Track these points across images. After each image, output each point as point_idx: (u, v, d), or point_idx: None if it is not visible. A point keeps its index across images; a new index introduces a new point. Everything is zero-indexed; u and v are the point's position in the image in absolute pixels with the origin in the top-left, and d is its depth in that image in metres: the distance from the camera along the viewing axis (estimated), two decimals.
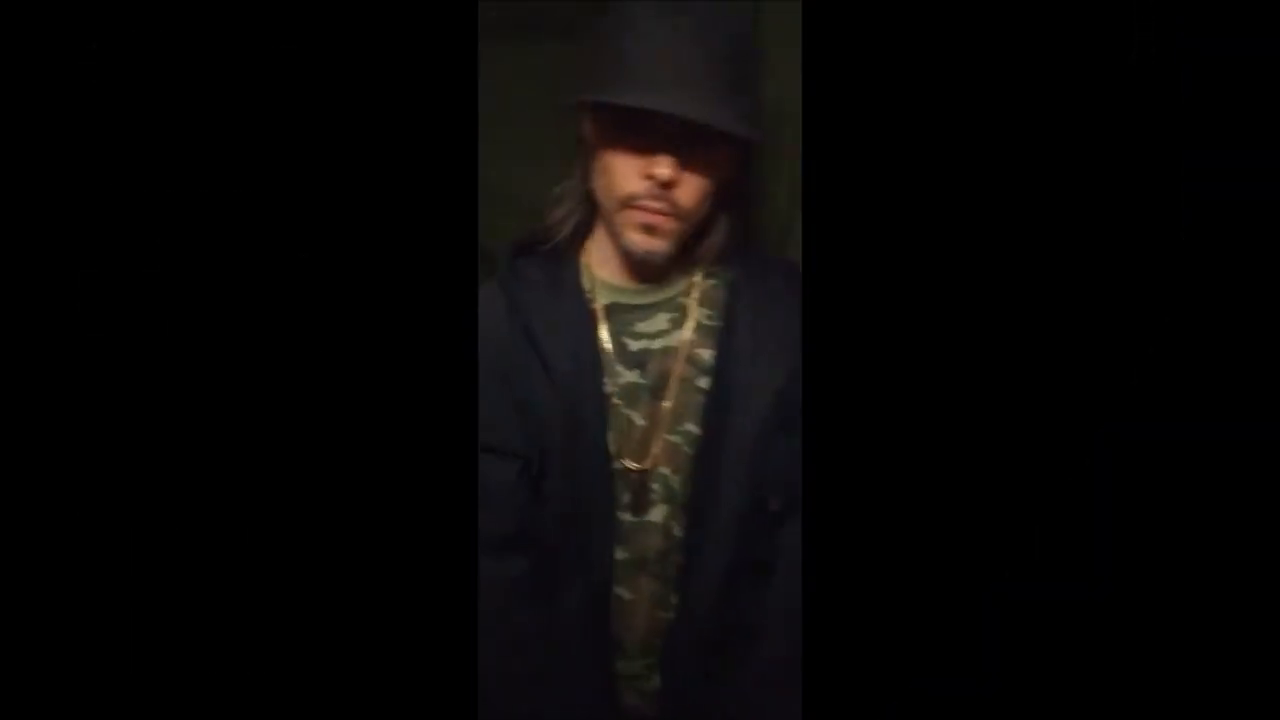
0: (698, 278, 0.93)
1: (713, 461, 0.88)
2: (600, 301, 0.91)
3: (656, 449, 0.89)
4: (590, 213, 0.91)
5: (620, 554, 0.89)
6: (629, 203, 0.85)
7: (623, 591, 0.89)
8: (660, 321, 0.92)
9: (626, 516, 0.89)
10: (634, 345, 0.91)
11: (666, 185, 0.83)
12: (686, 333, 0.91)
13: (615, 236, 0.88)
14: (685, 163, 0.83)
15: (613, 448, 0.89)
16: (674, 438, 0.89)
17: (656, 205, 0.84)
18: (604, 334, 0.90)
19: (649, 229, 0.85)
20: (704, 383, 0.90)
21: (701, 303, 0.92)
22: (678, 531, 0.89)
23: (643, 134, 0.83)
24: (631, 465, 0.89)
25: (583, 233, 0.93)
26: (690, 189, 0.85)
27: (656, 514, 0.89)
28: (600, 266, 0.92)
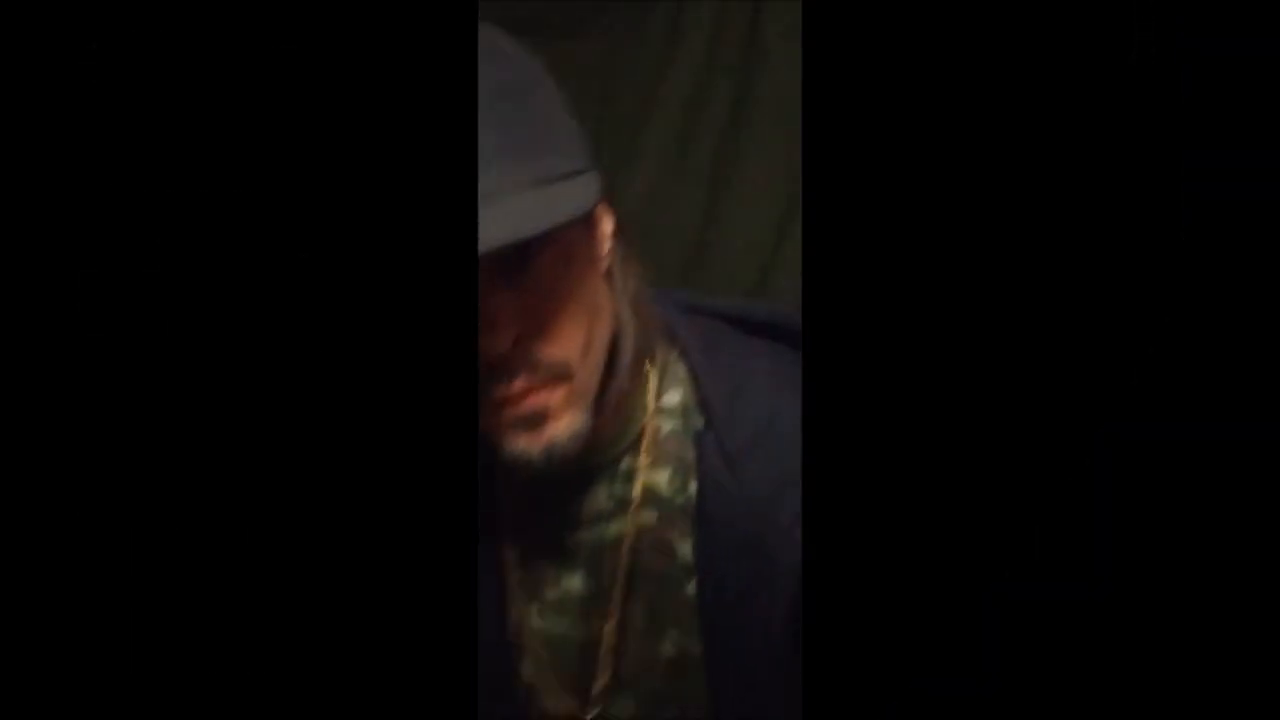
0: (646, 420, 0.66)
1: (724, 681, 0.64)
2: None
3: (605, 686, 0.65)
4: None
5: None
6: (500, 408, 0.61)
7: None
8: (600, 499, 0.66)
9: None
10: (571, 539, 0.66)
11: (514, 355, 0.59)
12: (649, 514, 0.65)
13: (507, 463, 0.63)
14: (520, 311, 0.59)
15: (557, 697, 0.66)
16: (656, 662, 0.65)
17: (518, 386, 0.60)
18: (511, 554, 0.66)
19: (529, 422, 0.60)
20: (690, 586, 0.65)
21: (655, 460, 0.65)
22: None
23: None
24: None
25: None
26: (553, 338, 0.60)
27: None
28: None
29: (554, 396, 0.61)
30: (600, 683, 0.65)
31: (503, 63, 0.61)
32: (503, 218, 0.56)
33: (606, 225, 0.65)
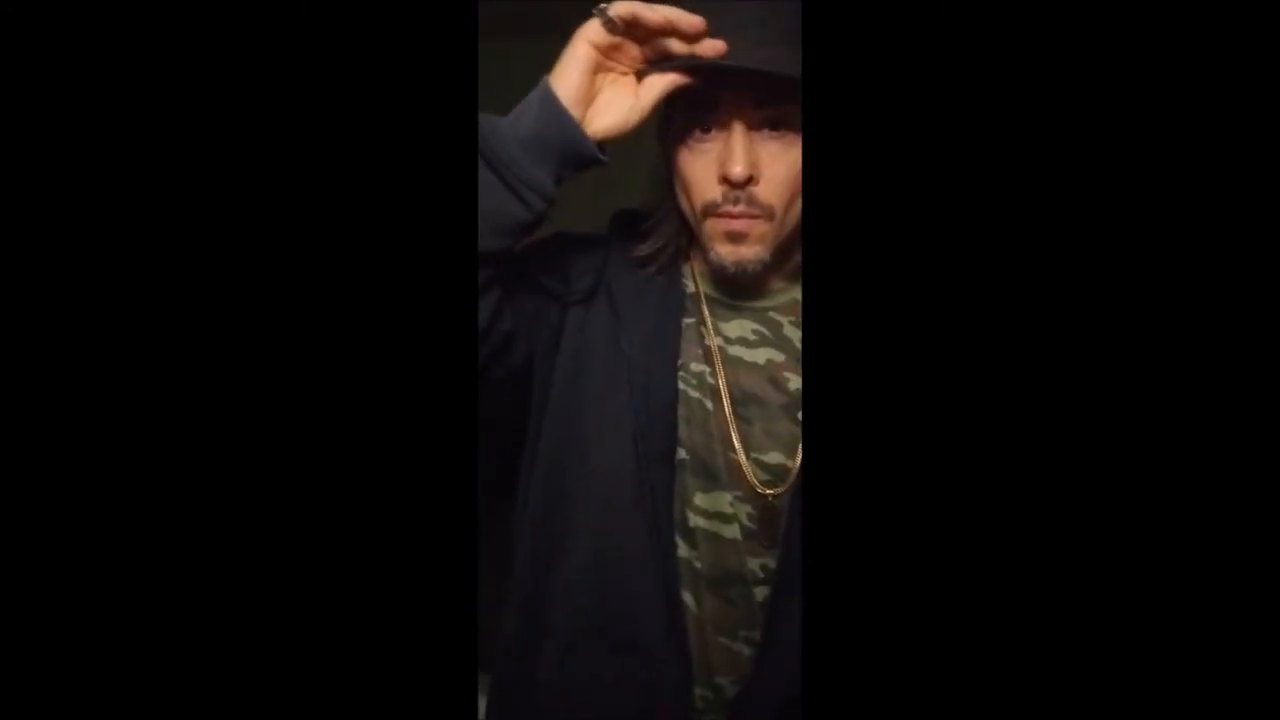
0: (796, 293, 0.86)
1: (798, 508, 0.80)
2: (691, 286, 0.87)
3: (731, 468, 0.83)
4: (687, 236, 0.87)
5: (684, 553, 0.83)
6: (710, 212, 0.80)
7: (687, 598, 0.83)
8: (742, 328, 0.86)
9: (698, 519, 0.83)
10: (710, 340, 0.85)
11: (744, 184, 0.78)
12: (775, 353, 0.85)
13: (705, 253, 0.83)
14: (761, 155, 0.78)
15: (683, 435, 0.83)
16: (747, 463, 0.83)
17: (738, 209, 0.79)
18: (686, 319, 0.86)
19: (734, 237, 0.80)
20: (796, 411, 0.83)
21: (795, 319, 0.86)
22: (754, 561, 0.83)
23: (711, 128, 0.78)
24: (757, 486, 0.82)
25: (682, 254, 0.89)
26: (772, 185, 0.79)
27: (732, 530, 0.83)
28: (702, 280, 0.88)
29: (756, 225, 0.80)
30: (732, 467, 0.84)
31: None
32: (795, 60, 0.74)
33: None
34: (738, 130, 0.78)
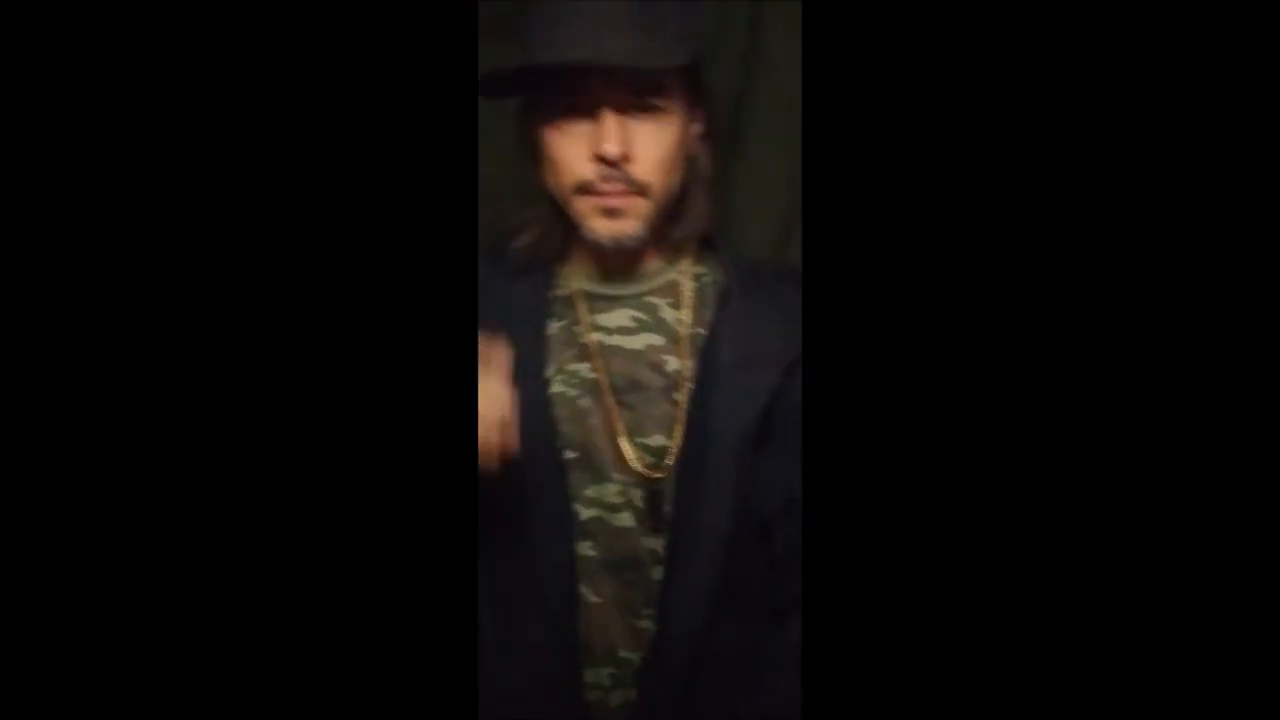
0: (684, 277, 0.88)
1: (692, 479, 0.84)
2: (564, 289, 0.87)
3: (617, 453, 0.85)
4: (565, 225, 0.86)
5: (585, 550, 0.85)
6: (585, 190, 0.81)
7: (588, 593, 0.85)
8: (622, 317, 0.87)
9: (590, 511, 0.85)
10: (587, 337, 0.86)
11: (617, 162, 0.79)
12: (655, 338, 0.87)
13: (579, 230, 0.83)
14: (634, 135, 0.79)
15: (564, 438, 0.84)
16: (631, 450, 0.85)
17: (613, 187, 0.80)
18: (554, 323, 0.86)
19: (610, 212, 0.81)
20: (676, 396, 0.85)
21: (679, 305, 0.88)
22: (648, 542, 0.85)
23: (581, 110, 0.79)
24: (640, 469, 0.84)
25: (561, 250, 0.88)
26: (646, 162, 0.80)
27: (624, 518, 0.85)
28: (577, 261, 0.88)
29: (632, 202, 0.81)
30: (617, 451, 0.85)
31: None
32: (650, 47, 0.76)
33: (700, 119, 0.86)
34: (609, 111, 0.78)
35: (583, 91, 0.78)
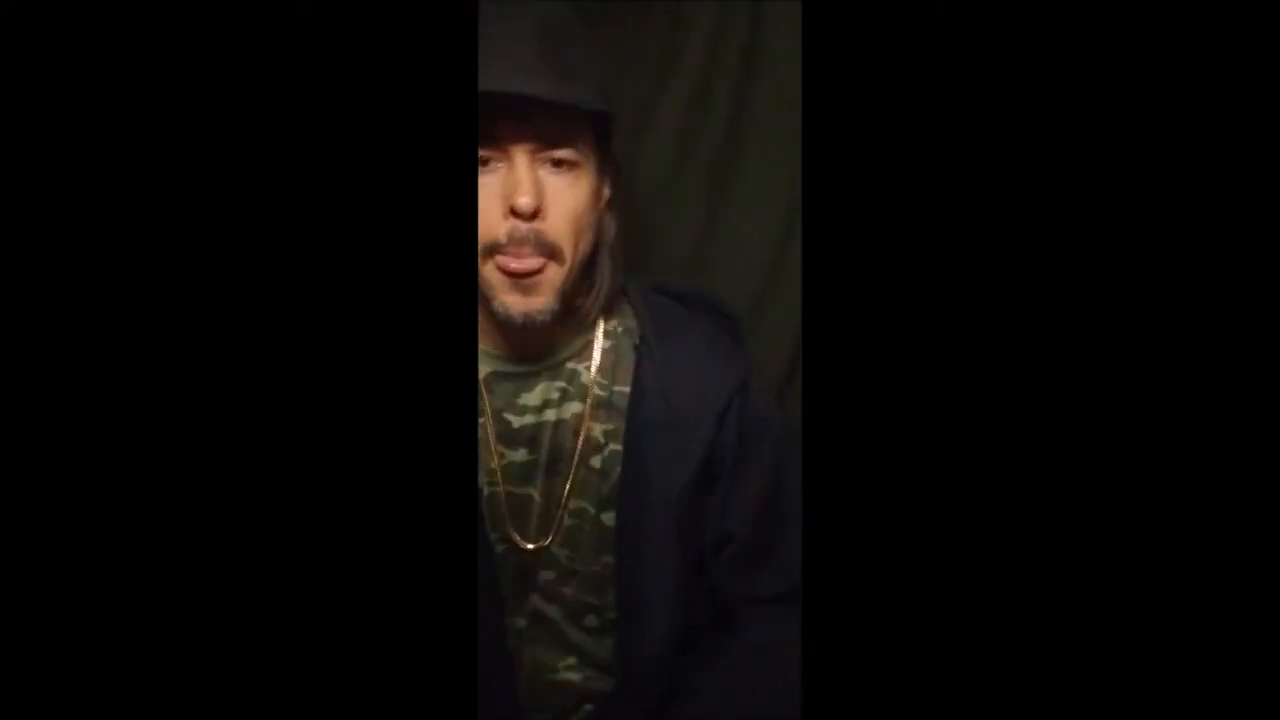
0: (596, 338, 0.87)
1: (631, 547, 0.84)
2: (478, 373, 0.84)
3: (554, 527, 0.85)
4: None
5: (519, 623, 0.87)
6: (495, 251, 0.76)
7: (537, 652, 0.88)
8: (544, 392, 0.85)
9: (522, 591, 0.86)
10: (517, 421, 0.85)
11: (532, 215, 0.74)
12: (577, 405, 0.85)
13: (489, 303, 0.79)
14: (547, 188, 0.75)
15: (509, 528, 0.85)
16: (569, 519, 0.85)
17: (524, 250, 0.75)
18: (482, 411, 0.83)
19: (522, 285, 0.77)
20: (596, 461, 0.85)
21: (599, 370, 0.86)
22: (584, 596, 0.86)
23: (492, 164, 0.75)
24: (522, 543, 0.84)
25: None
26: (558, 223, 0.76)
27: (556, 587, 0.86)
28: (484, 337, 0.84)
29: (546, 270, 0.77)
30: (535, 533, 0.85)
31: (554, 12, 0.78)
32: (567, 88, 0.73)
33: (612, 173, 0.83)
34: (520, 160, 0.75)
35: (490, 140, 0.74)
